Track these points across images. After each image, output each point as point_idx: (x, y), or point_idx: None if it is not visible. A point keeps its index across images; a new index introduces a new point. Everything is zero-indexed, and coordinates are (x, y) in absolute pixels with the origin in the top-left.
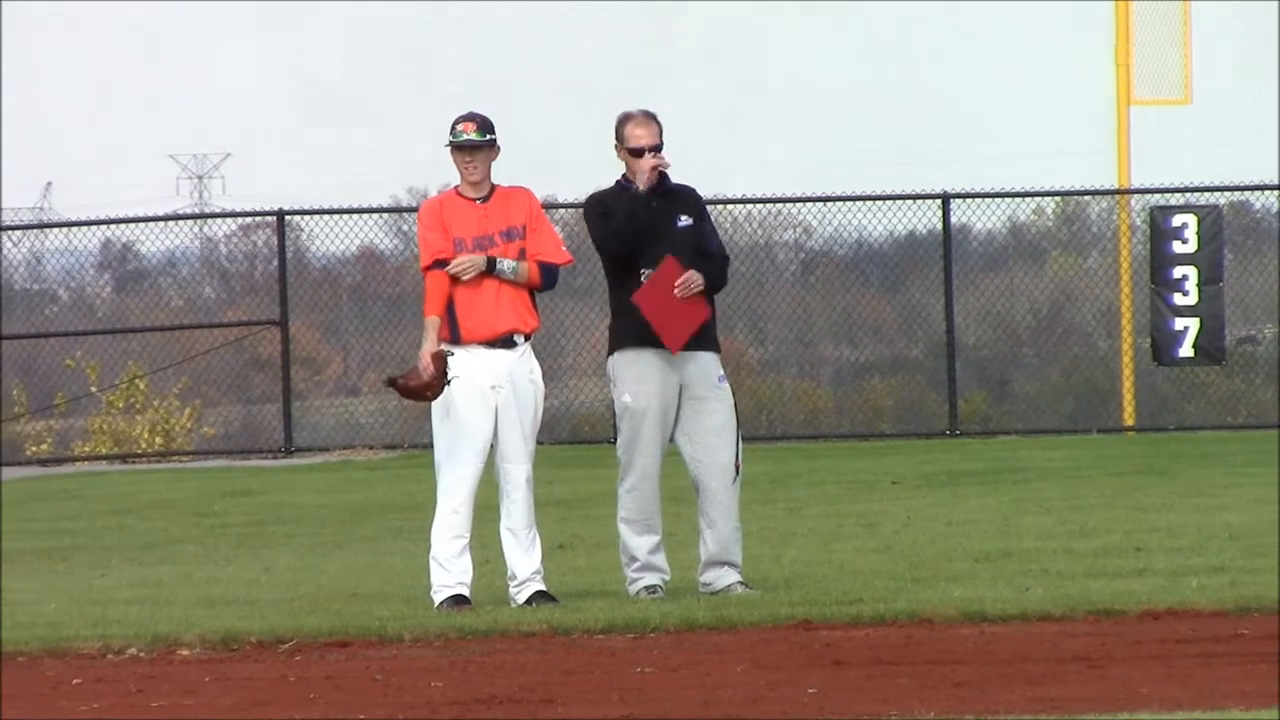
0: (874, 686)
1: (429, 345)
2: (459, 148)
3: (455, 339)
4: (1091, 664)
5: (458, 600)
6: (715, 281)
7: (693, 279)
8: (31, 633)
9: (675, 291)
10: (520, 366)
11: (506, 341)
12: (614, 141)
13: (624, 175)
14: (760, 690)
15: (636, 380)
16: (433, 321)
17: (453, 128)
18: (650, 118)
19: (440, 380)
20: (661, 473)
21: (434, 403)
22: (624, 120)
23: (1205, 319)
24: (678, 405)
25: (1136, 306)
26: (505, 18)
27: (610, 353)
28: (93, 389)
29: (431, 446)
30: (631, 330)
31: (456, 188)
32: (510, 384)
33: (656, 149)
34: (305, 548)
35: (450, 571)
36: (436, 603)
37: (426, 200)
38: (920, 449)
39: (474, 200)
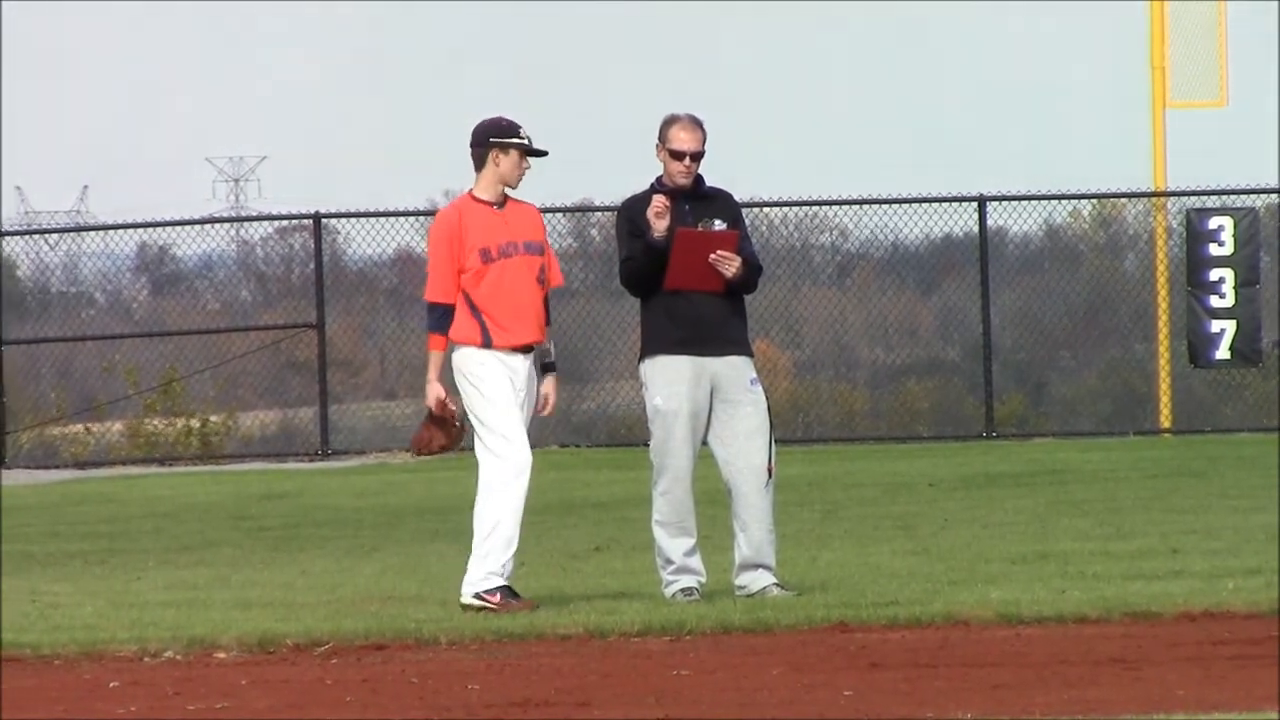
0: (910, 689)
1: (434, 385)
2: (526, 151)
3: (487, 344)
4: (1128, 666)
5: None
6: (744, 286)
7: (731, 263)
8: (69, 635)
9: (711, 256)
10: (529, 369)
11: (527, 349)
12: (656, 141)
13: (659, 178)
14: (796, 692)
15: (668, 383)
16: (437, 357)
17: (513, 129)
18: (696, 123)
19: (455, 429)
20: (695, 475)
21: (480, 405)
22: (670, 122)
23: (1242, 321)
24: (709, 408)
25: (1173, 309)
26: (542, 18)
27: (641, 357)
28: (131, 392)
29: (470, 450)
30: (663, 334)
31: (472, 191)
32: (526, 386)
33: (698, 155)
34: (342, 550)
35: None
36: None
37: (442, 212)
38: (957, 451)
39: (492, 205)
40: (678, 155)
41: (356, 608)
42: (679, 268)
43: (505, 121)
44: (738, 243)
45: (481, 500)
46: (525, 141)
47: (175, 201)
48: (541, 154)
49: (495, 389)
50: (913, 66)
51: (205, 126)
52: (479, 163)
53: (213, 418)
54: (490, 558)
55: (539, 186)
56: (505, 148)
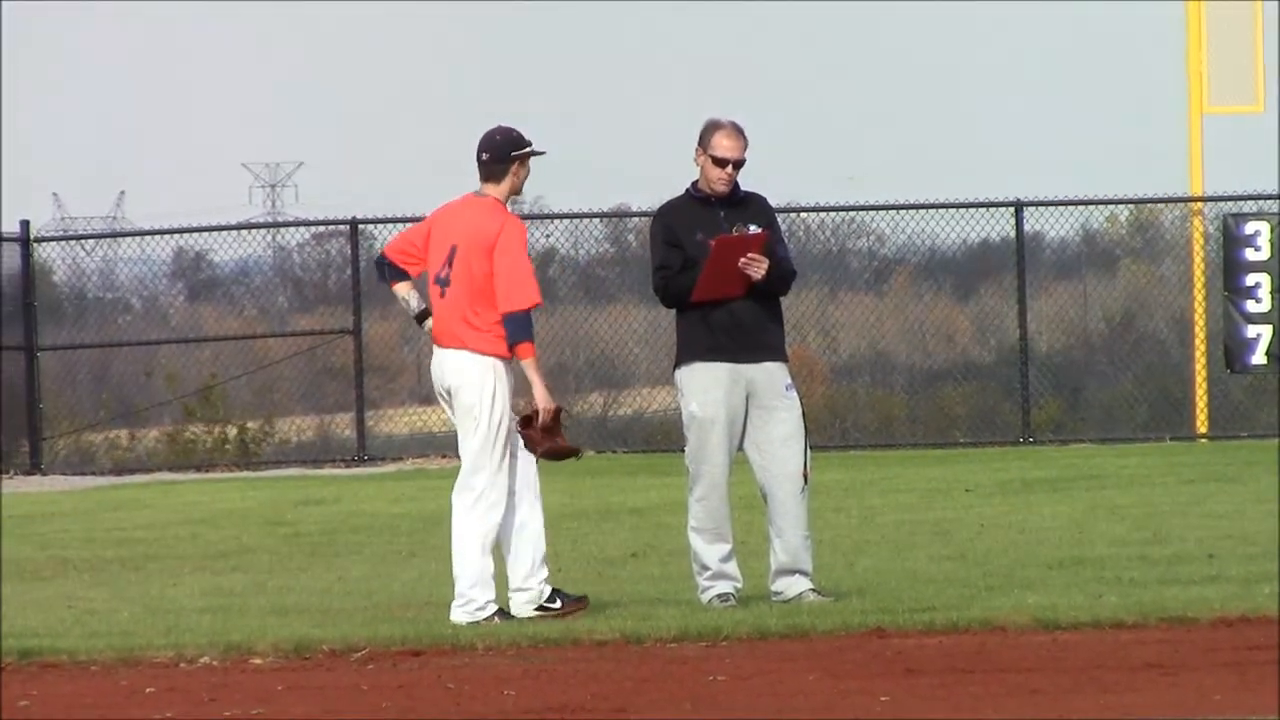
0: (947, 694)
1: (544, 388)
2: (534, 156)
3: (511, 356)
4: (1164, 671)
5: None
6: (776, 288)
7: (759, 267)
8: (105, 642)
9: (740, 260)
10: None
11: None
12: (697, 145)
13: (694, 184)
14: (833, 698)
15: (704, 390)
16: (538, 362)
17: (524, 138)
18: (739, 131)
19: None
20: (731, 481)
21: (489, 415)
22: (713, 127)
23: (1278, 326)
24: (745, 414)
25: (1209, 314)
26: (577, 21)
27: (677, 364)
28: (170, 397)
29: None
30: (699, 341)
31: (496, 199)
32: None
33: (739, 164)
34: (378, 556)
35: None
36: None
37: (517, 218)
38: (994, 456)
39: None
40: (720, 162)
41: (393, 613)
42: (709, 279)
43: (516, 132)
44: (765, 243)
45: (467, 525)
46: (535, 150)
47: (212, 207)
48: (542, 154)
49: (508, 408)
50: (949, 71)
51: (242, 132)
52: (499, 174)
53: (250, 424)
54: (483, 588)
55: (575, 191)
56: (524, 158)
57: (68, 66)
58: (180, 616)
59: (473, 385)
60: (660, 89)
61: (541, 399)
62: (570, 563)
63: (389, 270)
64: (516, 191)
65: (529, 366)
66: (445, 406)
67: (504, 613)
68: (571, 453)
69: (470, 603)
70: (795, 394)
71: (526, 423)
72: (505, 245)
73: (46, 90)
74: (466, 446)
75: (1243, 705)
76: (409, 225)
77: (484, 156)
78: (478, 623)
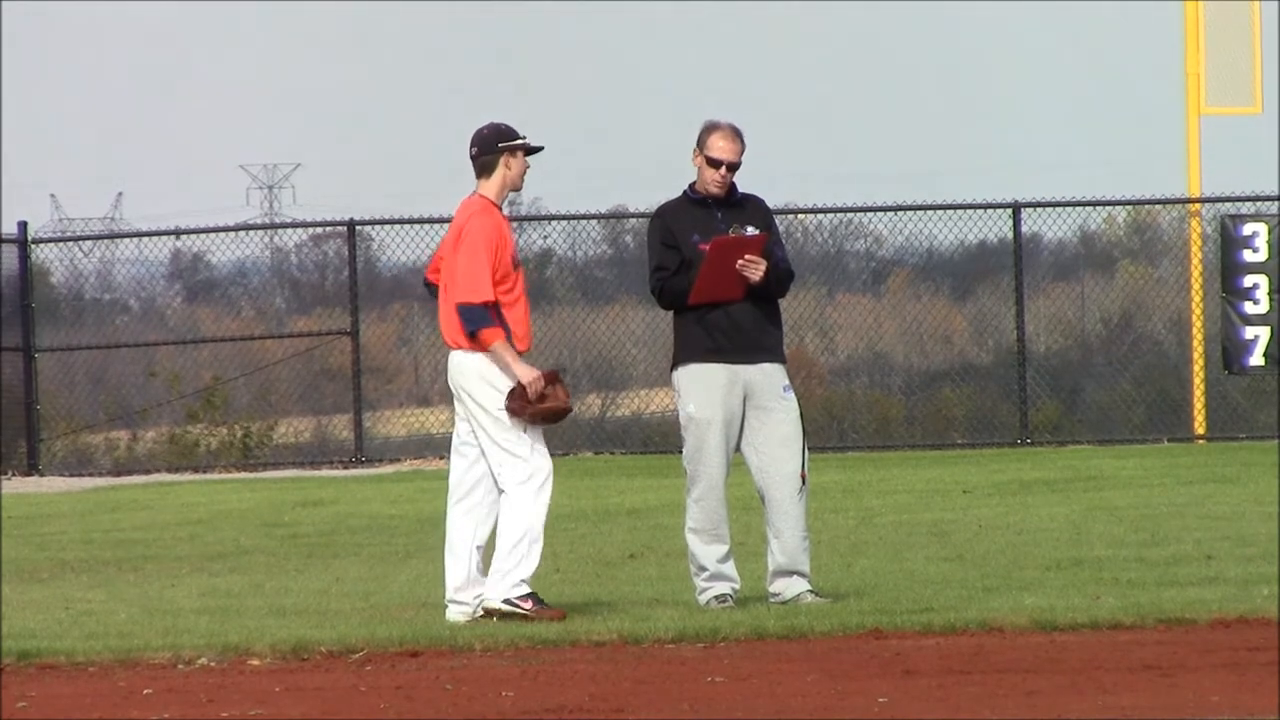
0: (945, 695)
1: (523, 364)
2: (530, 152)
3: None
4: (1162, 672)
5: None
6: (774, 290)
7: (757, 269)
8: (103, 643)
9: (738, 262)
10: None
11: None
12: (694, 146)
13: (692, 185)
14: (831, 699)
15: (701, 391)
16: (506, 345)
17: (514, 131)
18: (736, 134)
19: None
20: (729, 482)
21: (511, 413)
22: (711, 128)
23: (1276, 327)
24: (742, 415)
25: (1207, 315)
26: (577, 24)
27: (674, 365)
28: (171, 398)
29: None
30: (696, 342)
31: (482, 195)
32: None
33: (735, 166)
34: (376, 557)
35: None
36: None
37: (489, 213)
38: (991, 458)
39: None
40: (715, 164)
41: (391, 614)
42: (707, 281)
43: (505, 125)
44: (764, 246)
45: (514, 507)
46: (527, 140)
47: (209, 208)
48: (540, 149)
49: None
50: (947, 73)
51: (239, 133)
52: (488, 169)
53: (246, 424)
54: (524, 564)
55: (573, 192)
56: (514, 150)
57: (67, 66)
58: (178, 617)
59: (477, 382)
60: (660, 89)
61: (522, 375)
62: (568, 564)
63: (433, 290)
64: (516, 187)
65: (498, 351)
66: (460, 404)
67: (536, 597)
68: (559, 413)
69: (503, 575)
70: (793, 395)
71: (509, 397)
72: (463, 240)
73: (46, 90)
74: (494, 438)
75: (1241, 706)
76: (406, 225)
77: (473, 151)
78: (510, 600)
